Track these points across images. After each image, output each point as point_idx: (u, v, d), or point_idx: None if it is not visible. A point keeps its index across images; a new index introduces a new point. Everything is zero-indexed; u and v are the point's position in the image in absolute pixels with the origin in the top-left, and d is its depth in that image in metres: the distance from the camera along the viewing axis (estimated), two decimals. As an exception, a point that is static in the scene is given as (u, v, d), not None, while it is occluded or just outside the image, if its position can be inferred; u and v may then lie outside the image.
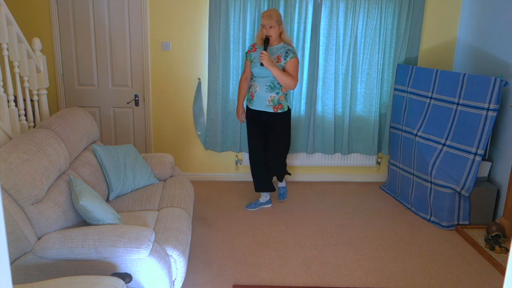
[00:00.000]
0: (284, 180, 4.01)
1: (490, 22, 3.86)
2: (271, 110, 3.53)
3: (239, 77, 4.21)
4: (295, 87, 3.52)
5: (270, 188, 3.86)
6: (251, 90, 3.60)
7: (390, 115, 4.30)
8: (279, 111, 3.54)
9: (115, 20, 4.15)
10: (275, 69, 3.37)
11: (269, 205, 3.92)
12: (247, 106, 3.69)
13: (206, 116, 4.34)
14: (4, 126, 2.69)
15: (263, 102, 3.52)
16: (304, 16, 4.11)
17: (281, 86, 3.49)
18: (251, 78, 3.64)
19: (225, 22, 4.07)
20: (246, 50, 3.70)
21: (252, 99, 3.58)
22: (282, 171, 3.90)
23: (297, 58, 3.51)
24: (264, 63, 3.32)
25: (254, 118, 3.64)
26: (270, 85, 3.48)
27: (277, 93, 3.50)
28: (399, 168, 4.19)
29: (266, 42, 3.42)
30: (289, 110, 3.64)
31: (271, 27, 3.41)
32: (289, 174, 4.05)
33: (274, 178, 4.00)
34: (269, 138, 3.67)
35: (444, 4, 4.26)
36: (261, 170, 3.77)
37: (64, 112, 3.04)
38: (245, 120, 3.77)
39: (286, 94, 3.58)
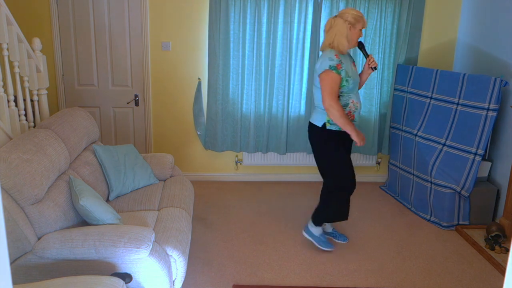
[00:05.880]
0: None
1: (490, 22, 3.86)
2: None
3: (239, 77, 4.21)
4: None
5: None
6: (349, 109, 2.91)
7: (390, 115, 4.30)
8: None
9: (115, 20, 4.15)
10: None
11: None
12: (332, 130, 2.93)
13: (206, 116, 4.34)
14: (4, 126, 2.69)
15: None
16: (304, 16, 4.10)
17: None
18: (340, 96, 2.92)
19: (225, 22, 4.07)
20: (335, 64, 2.79)
21: (353, 119, 2.94)
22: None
23: None
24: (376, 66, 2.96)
25: (344, 142, 3.02)
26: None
27: None
28: (399, 168, 4.19)
29: (362, 46, 3.03)
30: None
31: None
32: None
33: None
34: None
35: (444, 4, 4.27)
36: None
37: (64, 112, 3.04)
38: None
39: None
